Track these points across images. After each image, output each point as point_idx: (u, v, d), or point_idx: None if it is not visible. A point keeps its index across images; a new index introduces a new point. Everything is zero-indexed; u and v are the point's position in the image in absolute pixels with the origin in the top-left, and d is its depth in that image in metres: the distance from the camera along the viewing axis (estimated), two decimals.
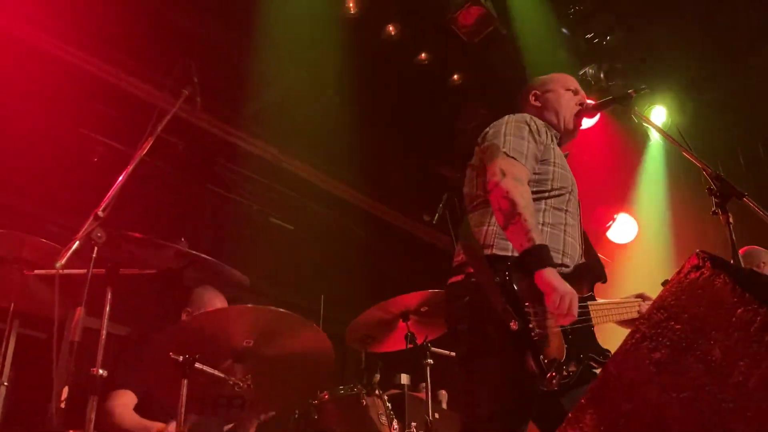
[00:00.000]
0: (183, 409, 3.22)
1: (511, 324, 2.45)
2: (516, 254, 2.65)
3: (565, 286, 2.54)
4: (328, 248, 6.39)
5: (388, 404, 4.11)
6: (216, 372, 3.37)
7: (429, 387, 4.41)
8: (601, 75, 6.65)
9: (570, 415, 1.40)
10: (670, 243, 7.49)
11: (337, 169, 6.36)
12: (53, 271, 2.80)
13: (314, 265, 6.00)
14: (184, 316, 4.21)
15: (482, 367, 2.65)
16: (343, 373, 4.95)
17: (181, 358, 3.27)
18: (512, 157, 2.79)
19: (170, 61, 4.83)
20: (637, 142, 6.88)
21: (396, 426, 4.09)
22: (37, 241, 3.31)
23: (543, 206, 2.85)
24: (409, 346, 4.30)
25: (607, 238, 7.56)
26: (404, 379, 5.49)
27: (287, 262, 6.02)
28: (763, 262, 5.08)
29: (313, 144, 6.08)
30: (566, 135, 3.26)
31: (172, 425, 3.75)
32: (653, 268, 7.40)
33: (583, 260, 2.93)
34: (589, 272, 2.89)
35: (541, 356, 2.45)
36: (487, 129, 3.04)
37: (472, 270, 2.73)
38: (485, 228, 2.81)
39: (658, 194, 7.52)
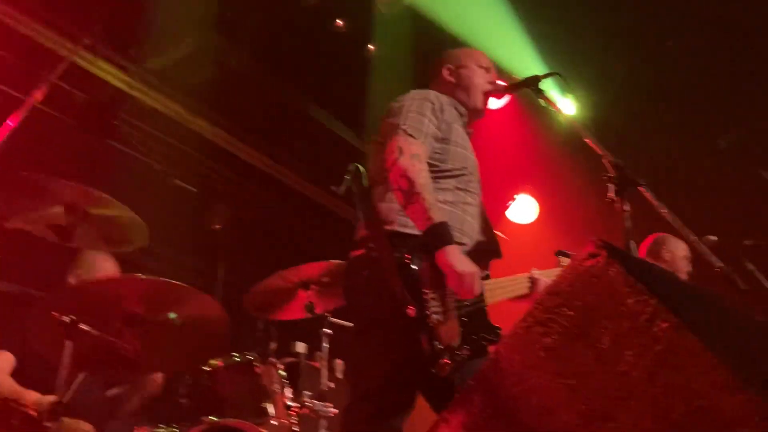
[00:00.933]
0: (65, 372, 3.11)
1: (408, 310, 2.45)
2: (416, 232, 2.65)
3: (466, 265, 2.56)
4: (232, 213, 6.25)
5: (283, 372, 4.07)
6: (102, 335, 3.27)
7: (325, 357, 4.41)
8: None
9: (459, 395, 1.40)
10: (570, 226, 7.70)
11: (245, 133, 6.20)
12: None
13: (216, 230, 5.85)
14: (71, 279, 4.01)
15: (376, 342, 2.66)
16: (240, 340, 4.87)
17: (67, 319, 3.15)
18: (411, 135, 2.77)
19: (73, 6, 4.61)
20: (543, 124, 7.00)
21: (289, 394, 4.06)
22: None
23: (442, 185, 2.85)
24: (308, 315, 4.28)
25: (506, 217, 7.69)
26: (300, 347, 5.46)
27: (189, 226, 5.86)
28: (666, 249, 5.27)
29: (221, 105, 5.91)
30: (474, 114, 3.26)
31: (48, 398, 3.55)
32: (551, 249, 7.59)
33: (482, 238, 2.96)
34: (487, 250, 2.92)
35: (436, 342, 2.45)
36: (393, 103, 3.01)
37: (373, 245, 2.72)
38: (386, 204, 2.79)
39: (560, 177, 7.71)
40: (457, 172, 2.91)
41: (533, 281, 3.17)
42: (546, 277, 3.20)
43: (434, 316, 2.48)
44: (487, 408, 1.33)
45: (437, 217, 2.59)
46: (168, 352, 3.64)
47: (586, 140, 3.17)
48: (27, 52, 4.65)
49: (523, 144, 7.33)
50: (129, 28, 5.01)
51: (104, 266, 4.07)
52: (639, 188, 2.91)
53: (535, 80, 3.31)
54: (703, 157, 7.37)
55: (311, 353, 5.32)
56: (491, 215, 7.99)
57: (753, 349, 1.28)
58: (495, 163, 7.43)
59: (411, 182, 2.62)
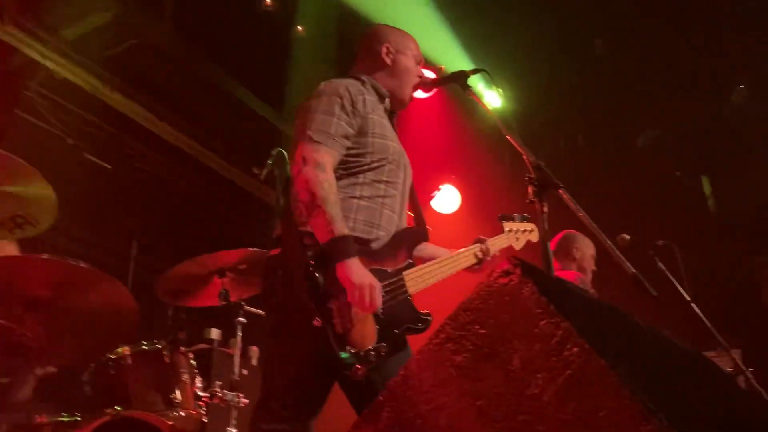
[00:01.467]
0: None
1: (314, 321, 2.41)
2: None
3: (364, 278, 2.51)
4: (148, 193, 6.05)
5: (193, 362, 3.97)
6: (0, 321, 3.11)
7: (239, 345, 4.32)
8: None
9: (366, 411, 1.36)
10: (491, 218, 7.78)
11: (164, 110, 5.99)
12: None
13: (131, 209, 5.66)
14: None
15: (287, 343, 2.63)
16: (152, 327, 4.73)
17: None
18: (317, 141, 2.69)
19: None
20: (470, 117, 7.03)
21: (199, 384, 3.97)
22: None
23: (360, 179, 2.79)
24: (223, 303, 4.19)
25: (430, 207, 7.74)
26: (214, 334, 5.35)
27: (102, 203, 5.64)
28: (576, 248, 5.38)
29: (138, 80, 5.70)
30: (398, 105, 3.20)
31: None
32: (473, 238, 7.67)
33: (404, 226, 2.92)
34: (409, 237, 2.89)
35: (348, 347, 2.42)
36: (304, 101, 2.90)
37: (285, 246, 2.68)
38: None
39: (484, 169, 7.79)
40: (376, 164, 2.83)
41: (481, 250, 3.15)
42: (492, 244, 3.21)
43: (341, 324, 2.45)
44: (395, 426, 1.29)
45: (338, 230, 2.53)
46: (73, 339, 3.51)
47: (509, 138, 3.18)
48: None
49: (449, 136, 7.36)
50: None
51: (5, 248, 3.89)
52: (558, 190, 2.95)
53: (462, 75, 3.29)
54: (622, 155, 7.56)
55: (226, 340, 5.22)
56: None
57: (662, 377, 1.28)
58: (420, 153, 7.47)
59: (312, 195, 2.56)
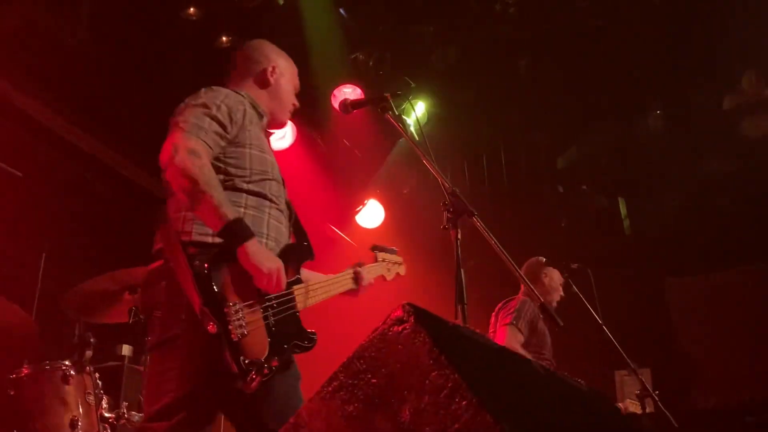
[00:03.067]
0: None
1: (209, 327, 2.30)
2: (216, 240, 2.51)
3: (270, 261, 2.50)
4: (62, 203, 5.84)
5: (99, 382, 3.84)
6: None
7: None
8: (370, 63, 6.73)
9: None
10: (414, 231, 7.83)
11: (82, 118, 5.79)
12: None
13: (42, 219, 5.44)
14: None
15: (174, 356, 2.48)
16: (60, 344, 4.56)
17: None
18: (188, 131, 2.56)
19: None
20: (392, 133, 7.05)
21: (105, 404, 3.84)
22: None
23: (244, 190, 2.70)
24: (132, 320, 4.07)
25: (356, 222, 7.73)
26: (125, 350, 5.20)
27: (10, 212, 5.40)
28: (545, 273, 5.43)
29: (56, 85, 5.50)
30: (275, 126, 3.17)
31: None
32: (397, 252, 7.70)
33: (289, 242, 2.87)
34: (296, 253, 2.84)
35: (242, 357, 2.33)
36: (181, 104, 2.78)
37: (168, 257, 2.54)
38: (182, 214, 2.59)
39: (406, 184, 7.83)
40: (257, 177, 2.76)
41: (356, 275, 3.15)
42: (367, 272, 3.21)
43: (237, 331, 2.35)
44: None
45: (230, 213, 2.47)
46: None
47: (425, 162, 3.20)
48: None
49: (372, 150, 7.37)
50: None
51: None
52: (471, 217, 2.98)
53: (381, 99, 3.30)
54: (540, 176, 7.71)
55: (137, 357, 5.08)
56: (343, 219, 8.00)
57: (551, 426, 1.28)
58: (345, 168, 7.46)
59: (193, 180, 2.45)
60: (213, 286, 2.38)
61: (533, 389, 1.41)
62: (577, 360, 6.01)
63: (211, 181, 2.49)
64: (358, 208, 7.62)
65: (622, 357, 4.77)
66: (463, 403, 1.13)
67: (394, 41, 6.62)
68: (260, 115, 2.97)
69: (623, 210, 7.78)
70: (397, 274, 3.48)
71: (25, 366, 3.61)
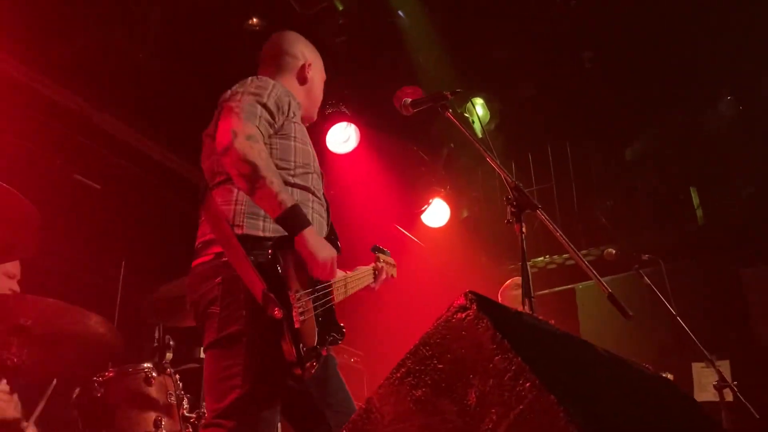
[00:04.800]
0: None
1: (275, 312, 2.31)
2: (267, 234, 2.56)
3: (325, 249, 2.54)
4: (138, 213, 6.06)
5: (179, 383, 3.98)
6: None
7: None
8: (431, 63, 6.76)
9: None
10: (479, 228, 7.84)
11: (153, 130, 6.01)
12: None
13: (120, 230, 5.67)
14: None
15: (236, 352, 2.48)
16: (140, 348, 4.75)
17: None
18: (245, 118, 2.59)
19: None
20: (454, 131, 7.08)
21: (186, 405, 3.98)
22: None
23: (289, 185, 2.72)
24: None
25: (421, 221, 7.79)
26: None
27: (90, 225, 5.66)
28: None
29: (127, 99, 5.72)
30: (304, 120, 3.18)
31: None
32: (463, 251, 7.74)
33: (329, 235, 2.92)
34: (333, 246, 2.84)
35: (301, 344, 2.38)
36: (227, 91, 2.84)
37: (220, 249, 2.56)
38: (232, 206, 2.62)
39: (470, 181, 7.84)
40: (300, 170, 2.81)
41: (377, 271, 3.27)
42: (386, 265, 3.36)
43: (300, 317, 2.40)
44: None
45: (289, 200, 2.49)
46: (57, 362, 3.54)
47: (488, 159, 3.22)
48: None
49: (437, 151, 7.40)
50: (27, 19, 4.78)
51: (5, 267, 3.95)
52: (535, 211, 2.99)
53: (440, 97, 3.33)
54: (609, 168, 7.60)
55: None
56: (408, 219, 8.05)
57: (617, 410, 1.30)
58: (409, 168, 7.52)
59: (253, 166, 2.47)
60: (278, 270, 2.41)
61: (597, 372, 1.44)
62: (652, 353, 5.92)
63: (270, 166, 2.52)
64: (423, 208, 7.67)
65: (698, 349, 4.68)
66: (527, 384, 1.17)
67: (453, 40, 6.64)
68: (299, 107, 3.01)
69: (695, 200, 7.60)
70: (391, 276, 3.50)
71: (110, 369, 3.77)
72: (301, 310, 2.42)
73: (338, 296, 2.82)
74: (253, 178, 2.46)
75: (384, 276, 3.32)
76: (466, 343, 1.27)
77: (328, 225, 2.95)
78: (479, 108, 6.65)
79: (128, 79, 5.53)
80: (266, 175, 2.47)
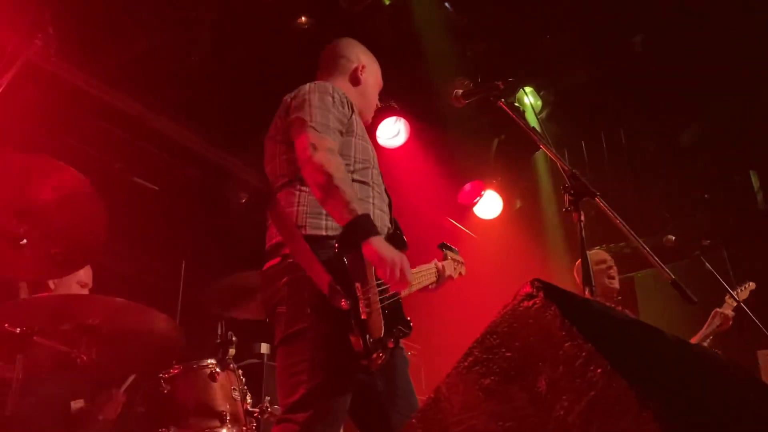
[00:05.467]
0: (17, 385, 3.08)
1: (342, 303, 2.39)
2: (330, 233, 2.63)
3: (395, 254, 2.55)
4: (196, 212, 6.19)
5: (242, 378, 4.05)
6: (56, 344, 3.27)
7: None
8: (481, 54, 6.73)
9: None
10: (534, 218, 7.78)
11: (207, 131, 6.12)
12: None
13: (179, 230, 5.79)
14: (50, 285, 4.06)
15: (303, 348, 2.56)
16: (202, 344, 4.85)
17: (18, 330, 3.13)
18: (320, 132, 2.71)
19: (24, 5, 4.50)
20: (506, 121, 7.04)
21: (249, 399, 4.05)
22: None
23: (352, 178, 2.80)
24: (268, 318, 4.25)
25: (473, 213, 7.76)
26: (264, 348, 5.45)
27: (150, 226, 5.79)
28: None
29: (183, 102, 5.83)
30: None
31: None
32: (517, 242, 7.69)
33: (391, 230, 2.97)
34: (398, 242, 2.92)
35: (367, 335, 2.42)
36: (287, 99, 2.93)
37: (287, 251, 2.65)
38: (295, 208, 2.72)
39: (526, 174, 7.78)
40: (361, 166, 2.88)
41: (439, 271, 3.23)
42: (446, 268, 3.28)
43: (366, 309, 2.45)
44: None
45: (359, 209, 2.55)
46: (124, 360, 3.64)
47: (542, 147, 3.20)
48: None
49: (489, 142, 7.36)
50: (84, 26, 4.92)
51: (78, 273, 4.11)
52: (594, 198, 2.95)
53: (493, 87, 3.32)
54: (665, 153, 7.45)
55: (275, 354, 5.30)
56: (461, 212, 8.04)
57: (688, 394, 1.29)
58: (461, 160, 7.50)
59: (328, 176, 2.57)
60: (344, 264, 2.48)
61: (667, 357, 1.42)
62: (715, 340, 5.79)
63: (345, 178, 2.62)
64: (475, 200, 7.64)
65: (764, 335, 4.58)
66: (598, 370, 1.17)
67: (502, 30, 6.59)
68: (353, 107, 3.05)
69: (755, 183, 7.41)
70: (460, 274, 3.49)
71: (175, 366, 3.86)
72: (366, 302, 2.47)
73: (404, 291, 2.83)
74: (327, 188, 2.57)
75: (448, 274, 3.29)
76: (534, 331, 1.27)
77: (391, 221, 2.99)
78: (530, 97, 6.60)
79: (183, 82, 5.63)
80: (339, 185, 2.56)
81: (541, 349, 1.24)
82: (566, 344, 1.21)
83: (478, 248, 7.97)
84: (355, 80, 3.21)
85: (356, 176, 2.84)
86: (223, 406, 3.82)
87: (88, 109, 5.46)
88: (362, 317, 2.42)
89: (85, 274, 4.22)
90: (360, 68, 3.23)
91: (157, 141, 5.86)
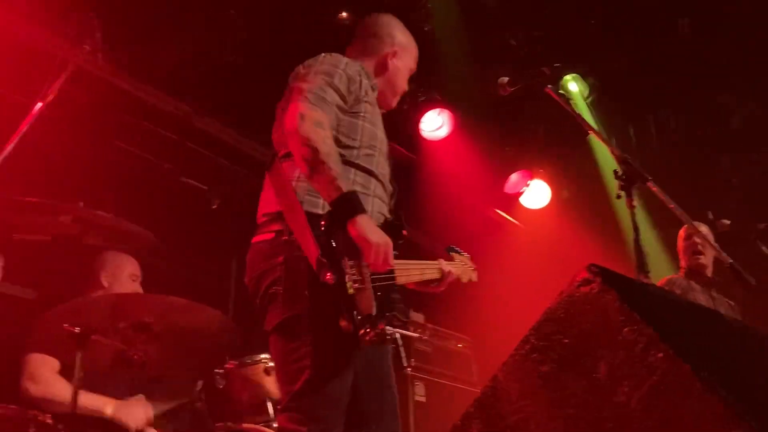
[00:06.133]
0: (78, 383, 3.16)
1: (327, 276, 2.34)
2: (326, 212, 2.55)
3: (379, 235, 2.50)
4: (244, 212, 6.24)
5: None
6: (113, 343, 3.34)
7: None
8: (522, 42, 6.66)
9: (458, 422, 1.39)
10: (583, 207, 7.68)
11: (249, 128, 6.16)
12: None
13: (229, 229, 5.86)
14: (104, 282, 4.16)
15: (303, 331, 2.50)
16: (257, 340, 4.91)
17: (77, 329, 3.20)
18: (314, 103, 2.62)
19: (72, 7, 4.60)
20: (558, 112, 6.94)
21: None
22: None
23: (352, 165, 2.73)
24: None
25: (520, 203, 7.69)
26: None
27: (200, 226, 5.88)
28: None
29: (225, 101, 5.89)
30: (383, 106, 3.15)
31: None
32: (566, 231, 7.60)
33: (389, 218, 2.89)
34: (394, 230, 2.82)
35: (355, 312, 2.37)
36: (299, 67, 2.87)
37: (280, 227, 2.59)
38: (295, 183, 2.65)
39: (573, 162, 7.67)
40: (366, 150, 2.80)
41: (442, 272, 3.15)
42: (453, 268, 3.19)
43: (353, 285, 2.40)
44: None
45: (345, 186, 2.50)
46: (181, 357, 3.70)
47: (591, 133, 3.16)
48: (29, 58, 4.67)
49: (534, 130, 7.27)
50: (130, 30, 5.01)
51: (125, 265, 4.20)
52: (646, 183, 2.90)
53: (539, 74, 3.29)
54: (716, 137, 7.29)
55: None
56: (508, 202, 7.95)
57: (752, 380, 1.26)
58: (507, 149, 7.44)
59: (315, 150, 2.50)
60: (331, 241, 2.43)
61: (729, 341, 1.39)
62: None
63: (331, 153, 2.54)
64: (522, 189, 7.57)
65: None
66: (659, 355, 1.15)
67: (544, 16, 6.51)
68: (373, 88, 3.00)
69: None
70: (470, 279, 3.42)
71: (230, 361, 3.92)
72: (354, 278, 2.42)
73: (401, 278, 2.78)
74: (313, 162, 2.50)
75: (455, 276, 3.21)
76: (592, 317, 1.26)
77: (391, 211, 2.92)
78: (576, 84, 6.51)
79: (225, 82, 5.69)
80: (325, 160, 2.50)
81: (600, 335, 1.23)
82: (625, 329, 1.19)
83: (525, 239, 7.91)
84: (382, 66, 3.10)
85: (360, 162, 2.77)
86: (277, 400, 3.86)
87: (136, 112, 5.55)
88: (349, 292, 2.38)
89: (134, 267, 4.32)
90: (390, 54, 3.11)
91: (205, 141, 5.93)
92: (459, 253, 3.44)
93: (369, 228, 2.49)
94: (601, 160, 7.10)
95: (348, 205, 2.48)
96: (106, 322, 3.27)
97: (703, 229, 4.96)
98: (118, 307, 3.31)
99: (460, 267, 3.34)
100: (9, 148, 3.13)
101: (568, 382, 1.24)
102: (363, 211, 2.51)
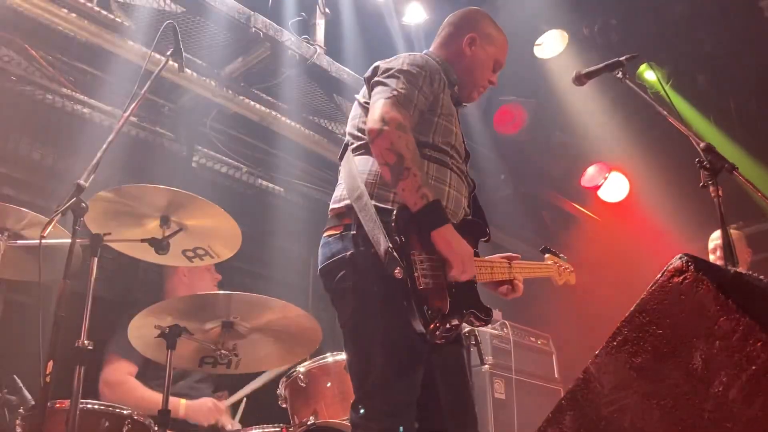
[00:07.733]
0: (169, 381, 3.28)
1: (396, 271, 2.31)
2: (395, 206, 2.51)
3: (462, 247, 2.48)
4: (321, 214, 6.32)
5: None
6: (201, 340, 3.45)
7: None
8: (595, 29, 6.55)
9: (550, 414, 1.39)
10: (663, 200, 7.48)
11: (321, 131, 6.23)
12: (36, 242, 2.77)
13: (306, 231, 5.94)
14: (185, 278, 4.43)
15: (371, 327, 2.48)
16: (334, 338, 4.98)
17: (167, 328, 3.32)
18: (399, 105, 2.58)
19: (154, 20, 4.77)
20: (634, 103, 6.77)
21: None
22: (20, 211, 3.26)
23: (426, 158, 2.68)
24: None
25: (598, 196, 7.57)
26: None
27: (277, 227, 6.00)
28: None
29: (303, 103, 5.98)
30: (463, 99, 3.09)
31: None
32: (644, 226, 7.43)
33: (470, 216, 2.85)
34: (476, 228, 2.81)
35: (425, 307, 2.35)
36: (378, 63, 2.82)
37: (350, 221, 2.56)
38: (366, 177, 2.62)
39: (652, 154, 7.50)
40: (442, 147, 2.75)
41: (551, 273, 3.17)
42: (526, 269, 3.10)
43: (423, 279, 2.37)
44: (579, 429, 1.31)
45: (431, 194, 2.46)
46: (264, 355, 3.78)
47: (672, 122, 3.08)
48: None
49: (612, 121, 7.11)
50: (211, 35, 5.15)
51: (205, 275, 4.35)
52: (732, 172, 2.82)
53: (616, 64, 3.23)
54: None
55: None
56: (584, 195, 7.82)
57: None
58: (586, 141, 7.32)
59: (400, 157, 2.45)
60: (401, 235, 2.41)
61: None
62: None
63: (416, 158, 2.50)
64: (599, 182, 7.45)
65: None
66: (759, 344, 1.13)
67: (620, 3, 6.39)
68: (452, 83, 2.95)
69: None
70: (566, 282, 3.35)
71: (311, 360, 3.97)
72: (424, 272, 2.39)
73: (482, 276, 2.74)
74: (397, 169, 2.47)
75: (558, 279, 3.25)
76: (686, 307, 1.23)
77: (470, 205, 2.88)
78: (653, 72, 6.35)
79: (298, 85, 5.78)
80: (411, 167, 2.46)
81: (695, 325, 1.21)
82: (721, 319, 1.17)
83: (602, 232, 7.77)
84: (457, 53, 3.02)
85: (436, 155, 2.73)
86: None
87: (215, 118, 5.70)
88: (420, 287, 2.35)
89: (213, 269, 4.52)
90: (467, 40, 3.02)
91: (279, 144, 6.03)
92: (555, 254, 3.40)
93: (454, 239, 2.47)
94: (682, 150, 6.90)
95: (434, 215, 2.47)
96: (194, 321, 3.39)
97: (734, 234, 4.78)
98: (205, 306, 3.42)
99: (551, 267, 3.31)
100: (96, 161, 3.25)
101: (664, 373, 1.23)
102: (447, 221, 2.49)
